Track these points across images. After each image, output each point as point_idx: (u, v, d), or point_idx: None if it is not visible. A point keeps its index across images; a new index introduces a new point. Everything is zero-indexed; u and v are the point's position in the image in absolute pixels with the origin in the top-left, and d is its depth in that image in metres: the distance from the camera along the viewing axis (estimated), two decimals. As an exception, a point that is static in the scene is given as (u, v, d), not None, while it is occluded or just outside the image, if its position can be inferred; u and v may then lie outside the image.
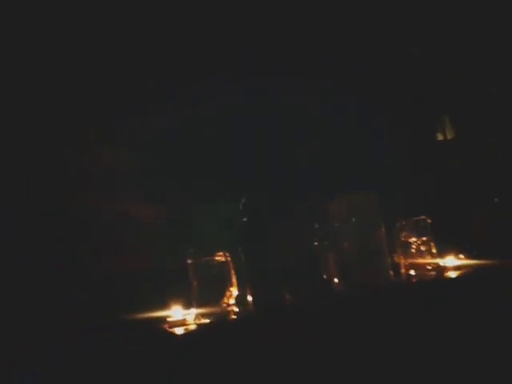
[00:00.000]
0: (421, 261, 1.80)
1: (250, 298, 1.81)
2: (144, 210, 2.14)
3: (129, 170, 2.19)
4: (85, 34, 2.16)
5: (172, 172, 2.20)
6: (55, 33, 2.14)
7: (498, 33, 2.34)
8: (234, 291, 1.76)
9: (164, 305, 1.81)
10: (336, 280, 1.82)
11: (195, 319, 1.74)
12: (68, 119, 2.14)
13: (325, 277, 1.84)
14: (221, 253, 1.77)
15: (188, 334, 1.67)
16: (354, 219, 1.82)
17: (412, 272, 1.82)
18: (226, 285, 1.75)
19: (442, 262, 1.82)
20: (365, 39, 2.35)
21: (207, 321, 1.72)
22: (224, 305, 1.74)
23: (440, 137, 2.54)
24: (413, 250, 1.81)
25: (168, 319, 1.79)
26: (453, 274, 1.81)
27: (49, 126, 2.12)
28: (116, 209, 2.10)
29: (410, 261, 1.82)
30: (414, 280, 1.80)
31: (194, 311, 1.75)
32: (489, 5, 2.32)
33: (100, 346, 1.73)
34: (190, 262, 1.77)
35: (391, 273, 1.81)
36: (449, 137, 2.52)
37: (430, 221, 1.82)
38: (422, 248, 1.80)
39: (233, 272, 1.77)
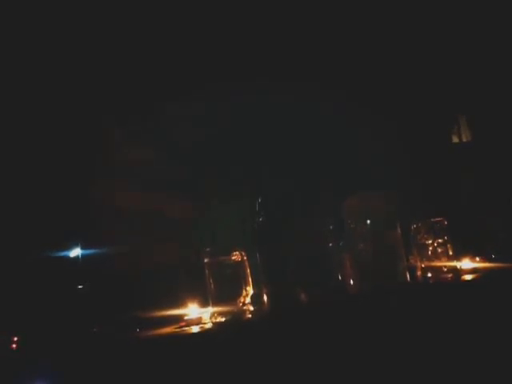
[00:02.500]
0: (437, 263, 1.79)
1: (265, 298, 1.81)
2: (159, 209, 2.14)
3: (144, 168, 2.19)
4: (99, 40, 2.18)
5: (187, 171, 2.20)
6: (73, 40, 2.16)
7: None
8: (250, 290, 1.77)
9: (180, 303, 1.82)
10: (351, 281, 1.81)
11: (211, 317, 1.75)
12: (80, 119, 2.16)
13: (340, 277, 1.83)
14: (237, 252, 1.78)
15: (204, 332, 1.68)
16: (369, 220, 1.81)
17: (428, 274, 1.81)
18: (242, 284, 1.76)
19: (458, 264, 1.82)
20: (379, 37, 2.34)
21: (223, 319, 1.73)
22: (240, 304, 1.75)
23: (455, 139, 2.53)
24: (429, 252, 1.81)
25: (185, 317, 1.81)
26: (469, 277, 1.80)
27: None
28: (132, 207, 2.10)
29: (427, 263, 1.81)
30: (430, 282, 1.79)
31: (210, 309, 1.76)
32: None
33: (115, 343, 1.74)
34: (206, 260, 1.77)
35: (407, 275, 1.81)
36: (464, 139, 2.51)
37: (446, 222, 1.81)
38: (439, 250, 1.79)
39: (248, 271, 1.78)
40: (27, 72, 2.14)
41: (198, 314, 1.80)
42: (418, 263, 1.82)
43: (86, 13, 2.17)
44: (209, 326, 1.74)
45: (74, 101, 2.17)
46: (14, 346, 1.72)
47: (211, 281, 1.76)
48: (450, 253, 1.79)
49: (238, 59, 2.26)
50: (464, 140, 2.50)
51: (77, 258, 2.02)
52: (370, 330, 1.65)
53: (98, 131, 2.18)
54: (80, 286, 1.98)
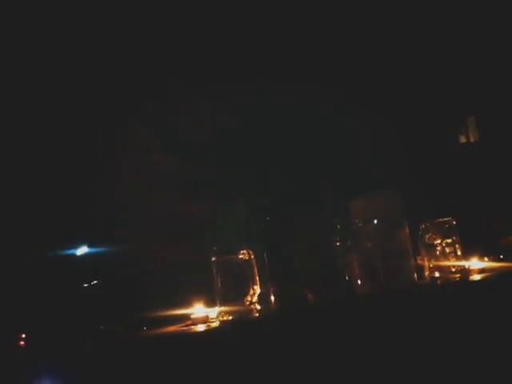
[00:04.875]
0: (445, 263, 1.78)
1: (272, 297, 1.81)
2: (167, 209, 2.15)
3: (150, 167, 2.20)
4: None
5: (193, 170, 2.21)
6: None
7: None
8: (257, 289, 1.76)
9: (187, 302, 1.82)
10: (359, 281, 1.80)
11: (218, 316, 1.75)
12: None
13: (347, 277, 1.83)
14: (244, 251, 1.77)
15: (210, 331, 1.68)
16: (376, 219, 1.81)
17: (436, 274, 1.80)
18: (249, 283, 1.75)
19: (467, 264, 1.81)
20: (383, 36, 2.34)
21: (230, 318, 1.72)
22: (247, 303, 1.74)
23: (463, 139, 2.52)
24: (437, 252, 1.80)
25: (191, 316, 1.80)
26: (478, 277, 1.79)
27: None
28: (138, 207, 2.11)
29: (435, 263, 1.80)
30: (439, 282, 1.79)
31: (217, 308, 1.75)
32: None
33: (122, 342, 1.74)
34: (213, 259, 1.77)
35: (415, 274, 1.80)
36: (472, 139, 2.51)
37: (455, 222, 1.80)
38: (447, 250, 1.78)
39: (256, 270, 1.77)
40: (36, 72, 2.15)
41: (205, 313, 1.80)
42: (426, 263, 1.81)
43: (87, 14, 2.18)
44: (215, 324, 1.74)
45: (80, 98, 2.17)
46: (22, 343, 1.72)
47: (218, 279, 1.75)
48: (459, 253, 1.78)
49: (244, 61, 2.26)
50: (472, 140, 2.49)
51: (83, 256, 2.03)
52: (377, 331, 1.64)
53: (108, 131, 2.18)
54: (86, 285, 1.98)
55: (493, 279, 1.76)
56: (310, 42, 2.29)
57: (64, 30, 2.15)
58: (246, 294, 1.74)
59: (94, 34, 2.18)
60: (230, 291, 1.74)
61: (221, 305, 1.74)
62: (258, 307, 1.75)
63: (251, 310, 1.74)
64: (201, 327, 1.73)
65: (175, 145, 2.21)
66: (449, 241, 1.79)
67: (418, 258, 1.83)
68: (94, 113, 2.17)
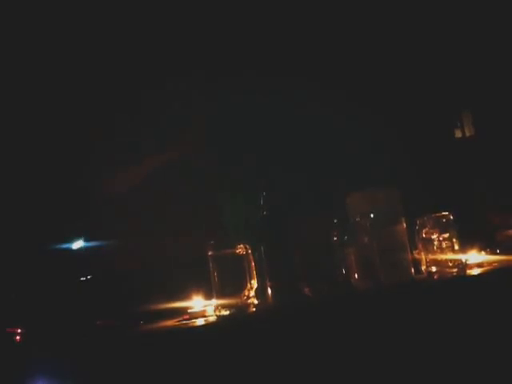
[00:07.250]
0: (443, 257, 1.78)
1: (270, 291, 1.80)
2: (167, 204, 2.14)
3: (151, 166, 2.20)
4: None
5: (193, 166, 2.21)
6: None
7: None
8: (255, 284, 1.76)
9: (185, 296, 1.82)
10: (355, 275, 1.80)
11: (215, 311, 1.74)
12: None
13: (344, 272, 1.83)
14: (241, 245, 1.77)
15: (207, 326, 1.67)
16: (374, 214, 1.80)
17: (433, 269, 1.80)
18: (247, 277, 1.75)
19: (464, 258, 1.81)
20: (384, 31, 2.34)
21: (227, 312, 1.72)
22: (244, 297, 1.73)
23: (458, 134, 2.53)
24: (435, 247, 1.79)
25: (189, 310, 1.80)
26: (475, 271, 1.79)
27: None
28: (137, 201, 2.10)
29: (432, 257, 1.80)
30: (436, 277, 1.79)
31: (214, 303, 1.75)
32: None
33: (118, 336, 1.73)
34: (210, 254, 1.76)
35: (412, 270, 1.80)
36: (468, 133, 2.51)
37: (452, 217, 1.80)
38: (444, 244, 1.78)
39: (253, 264, 1.77)
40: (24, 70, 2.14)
41: (202, 307, 1.79)
42: (424, 258, 1.81)
43: (82, 13, 2.17)
44: (213, 319, 1.73)
45: (77, 91, 2.16)
46: (18, 338, 1.71)
47: (215, 274, 1.74)
48: (456, 247, 1.78)
49: (246, 60, 2.26)
50: (467, 135, 2.50)
51: (80, 250, 2.02)
52: (375, 326, 1.64)
53: (103, 125, 2.17)
54: (83, 279, 1.97)
55: (490, 273, 1.76)
56: (311, 43, 2.29)
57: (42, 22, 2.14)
58: (243, 288, 1.74)
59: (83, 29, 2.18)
60: (227, 286, 1.73)
61: (218, 299, 1.73)
62: (256, 302, 1.75)
63: (248, 305, 1.73)
64: (198, 321, 1.72)
65: (176, 144, 2.21)
66: (446, 235, 1.79)
67: (416, 252, 1.83)
68: (88, 107, 2.16)
